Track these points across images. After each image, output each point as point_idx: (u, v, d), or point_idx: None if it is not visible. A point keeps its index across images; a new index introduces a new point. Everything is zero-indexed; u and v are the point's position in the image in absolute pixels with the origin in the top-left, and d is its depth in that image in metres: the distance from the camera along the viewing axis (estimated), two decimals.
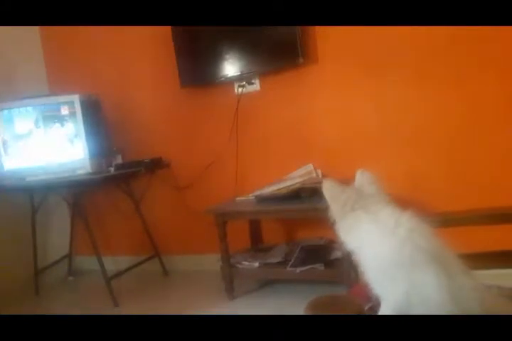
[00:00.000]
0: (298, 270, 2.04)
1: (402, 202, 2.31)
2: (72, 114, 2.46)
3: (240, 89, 2.48)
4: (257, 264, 2.17)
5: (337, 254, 2.07)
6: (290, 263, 2.10)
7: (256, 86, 2.48)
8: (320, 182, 2.20)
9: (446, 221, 1.22)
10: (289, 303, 2.01)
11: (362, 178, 0.93)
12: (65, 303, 2.49)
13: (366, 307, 0.92)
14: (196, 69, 2.50)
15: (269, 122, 2.47)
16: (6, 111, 2.48)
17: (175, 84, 2.56)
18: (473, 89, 2.05)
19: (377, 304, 0.86)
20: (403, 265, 0.76)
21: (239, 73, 2.40)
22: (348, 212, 0.86)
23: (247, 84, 2.47)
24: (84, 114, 2.45)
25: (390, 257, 0.77)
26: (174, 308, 2.17)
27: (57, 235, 2.93)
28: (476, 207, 1.35)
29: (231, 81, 2.48)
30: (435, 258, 0.75)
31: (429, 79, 2.12)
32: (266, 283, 2.33)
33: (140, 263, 2.62)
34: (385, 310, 0.80)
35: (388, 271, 0.77)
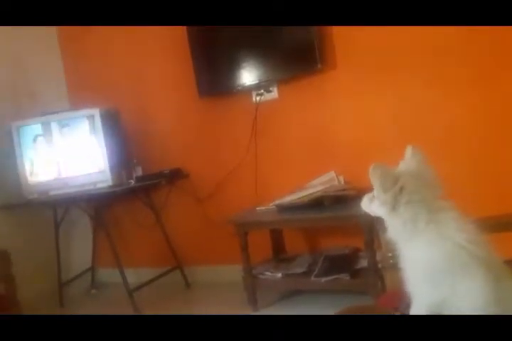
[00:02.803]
0: (323, 280, 1.98)
1: None
2: (93, 128, 2.49)
3: (258, 98, 2.47)
4: (280, 275, 2.13)
5: (363, 264, 2.01)
6: (314, 273, 2.04)
7: (274, 94, 2.46)
8: (343, 190, 2.16)
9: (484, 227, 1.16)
10: (314, 314, 1.96)
11: (415, 156, 0.83)
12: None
13: None
14: (214, 78, 2.50)
15: (288, 130, 2.45)
16: (28, 127, 2.52)
17: (193, 94, 2.57)
18: (497, 89, 1.98)
19: (406, 313, 0.81)
20: (452, 271, 0.73)
21: (257, 81, 2.38)
22: (404, 203, 0.76)
23: (265, 92, 2.46)
24: (104, 128, 2.48)
25: (441, 261, 0.73)
26: None
27: (80, 248, 2.95)
28: (496, 215, 1.29)
29: (249, 89, 2.47)
30: (486, 267, 0.72)
31: (451, 81, 2.07)
32: (290, 294, 2.28)
33: (162, 275, 2.60)
34: (416, 309, 0.77)
35: (434, 273, 0.74)
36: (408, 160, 0.83)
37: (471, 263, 0.72)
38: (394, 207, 0.77)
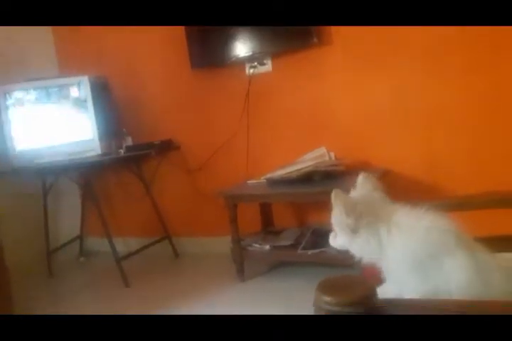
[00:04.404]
0: (309, 252, 2.02)
1: (419, 184, 2.28)
2: (82, 96, 2.44)
3: (251, 70, 2.43)
4: (267, 247, 2.16)
5: None
6: (301, 245, 2.08)
7: (268, 67, 2.42)
8: (333, 165, 2.18)
9: (460, 204, 1.19)
10: (299, 285, 2.01)
11: (365, 183, 0.89)
12: (78, 283, 2.52)
13: (378, 288, 0.90)
14: (207, 49, 2.45)
15: (281, 104, 2.43)
16: (16, 93, 2.46)
17: (185, 65, 2.52)
18: (492, 71, 1.98)
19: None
20: (431, 252, 0.76)
21: (250, 53, 2.34)
22: (363, 225, 0.82)
23: (258, 65, 2.42)
24: (93, 96, 2.43)
25: (417, 249, 0.77)
26: (185, 289, 2.18)
27: (69, 216, 2.95)
28: (492, 190, 1.31)
29: (242, 61, 2.43)
30: (461, 240, 0.75)
31: (447, 60, 2.05)
32: (277, 266, 2.32)
33: (151, 245, 2.62)
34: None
35: (416, 264, 0.77)
36: (360, 187, 0.90)
37: (444, 237, 0.76)
38: (355, 230, 0.83)
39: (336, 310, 0.56)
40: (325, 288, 0.61)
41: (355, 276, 0.66)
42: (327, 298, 0.57)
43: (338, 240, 0.90)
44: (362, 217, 0.82)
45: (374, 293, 0.59)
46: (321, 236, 2.13)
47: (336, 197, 0.84)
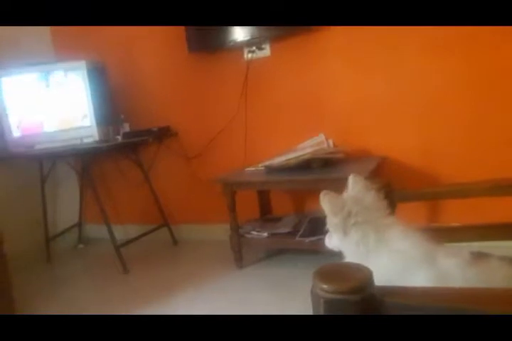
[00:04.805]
0: (307, 240, 2.02)
1: (417, 171, 2.27)
2: (79, 81, 2.41)
3: (249, 55, 2.40)
4: (265, 234, 2.16)
5: None
6: (299, 233, 2.08)
7: (266, 51, 2.39)
8: (332, 153, 2.16)
9: (456, 192, 1.18)
10: (297, 273, 2.01)
11: (356, 184, 0.90)
12: (77, 271, 2.53)
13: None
14: (204, 33, 2.41)
15: (279, 89, 2.40)
16: (12, 78, 2.43)
17: (182, 49, 2.48)
18: (489, 59, 1.96)
19: None
20: (406, 280, 0.76)
21: (248, 38, 2.30)
22: (352, 225, 0.83)
23: (257, 50, 2.38)
24: (90, 81, 2.40)
25: (394, 273, 0.77)
26: (183, 276, 2.18)
27: (67, 204, 2.94)
28: (490, 178, 1.31)
29: (240, 46, 2.39)
30: (427, 257, 0.76)
31: (444, 49, 2.03)
32: (275, 253, 2.33)
33: (149, 232, 2.62)
34: None
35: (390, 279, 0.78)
36: (350, 188, 0.90)
37: (420, 271, 0.76)
38: (345, 230, 0.83)
39: (333, 297, 0.55)
40: (322, 275, 0.61)
41: (352, 264, 0.65)
42: (324, 286, 0.57)
43: (332, 241, 0.90)
44: (350, 217, 0.82)
45: (371, 281, 0.59)
46: (319, 223, 2.12)
47: (324, 197, 0.85)
